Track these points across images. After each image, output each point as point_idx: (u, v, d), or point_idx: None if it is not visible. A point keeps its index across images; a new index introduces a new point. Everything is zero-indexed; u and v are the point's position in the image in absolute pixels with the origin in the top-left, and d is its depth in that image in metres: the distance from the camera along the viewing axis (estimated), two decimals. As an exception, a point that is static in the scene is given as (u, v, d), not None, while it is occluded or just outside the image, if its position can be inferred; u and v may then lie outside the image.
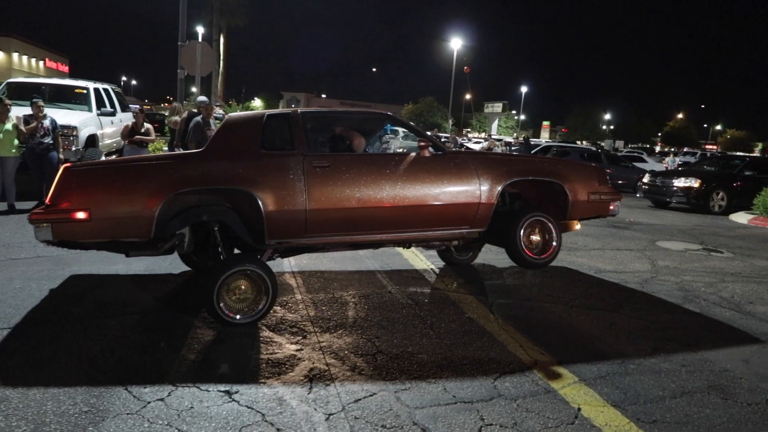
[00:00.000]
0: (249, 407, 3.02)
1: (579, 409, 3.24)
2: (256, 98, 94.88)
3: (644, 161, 23.53)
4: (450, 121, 52.79)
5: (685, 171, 15.98)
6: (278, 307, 4.59)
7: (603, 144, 43.67)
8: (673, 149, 42.76)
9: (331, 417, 2.99)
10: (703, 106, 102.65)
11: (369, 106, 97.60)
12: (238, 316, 4.07)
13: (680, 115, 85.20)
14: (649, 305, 5.34)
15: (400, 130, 28.79)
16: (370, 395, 3.24)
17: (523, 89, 64.68)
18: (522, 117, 69.83)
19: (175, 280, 5.21)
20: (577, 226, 5.67)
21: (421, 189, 4.56)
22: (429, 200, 4.59)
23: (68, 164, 3.92)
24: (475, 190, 4.72)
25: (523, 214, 5.00)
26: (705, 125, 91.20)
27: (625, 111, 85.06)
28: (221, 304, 4.01)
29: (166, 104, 48.23)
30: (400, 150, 23.53)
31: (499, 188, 4.79)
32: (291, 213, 4.16)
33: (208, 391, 3.17)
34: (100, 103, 10.79)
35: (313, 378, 3.41)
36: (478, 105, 66.36)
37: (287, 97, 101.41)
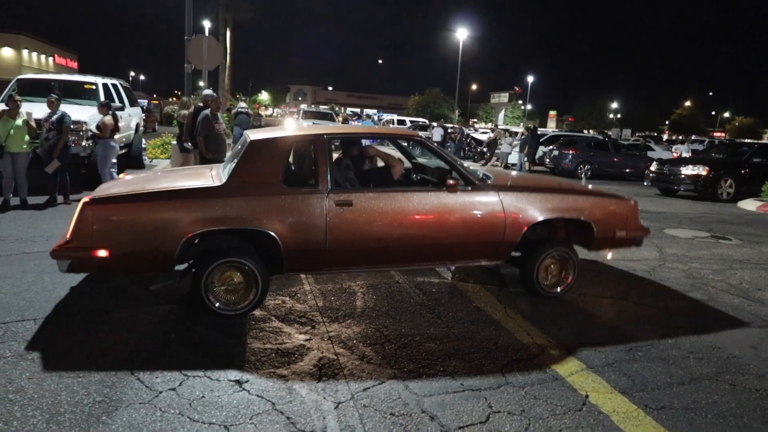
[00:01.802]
0: (259, 396, 3.07)
1: (587, 396, 3.25)
2: (263, 91, 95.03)
3: (652, 149, 23.37)
4: (456, 112, 52.61)
5: (693, 159, 15.85)
6: (287, 298, 4.63)
7: (610, 133, 43.36)
8: (681, 137, 42.42)
9: (341, 405, 3.02)
10: (711, 94, 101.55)
11: (375, 98, 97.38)
12: (217, 304, 4.13)
13: (688, 103, 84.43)
14: (657, 293, 5.34)
15: (387, 116, 28.86)
16: (379, 384, 3.28)
17: (530, 79, 64.30)
18: (529, 107, 69.46)
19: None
20: (609, 256, 5.50)
21: (445, 227, 4.49)
22: (451, 239, 4.52)
23: (86, 199, 3.86)
24: (500, 229, 4.60)
25: (545, 248, 4.86)
26: (713, 113, 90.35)
27: (632, 100, 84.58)
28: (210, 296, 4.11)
29: (174, 99, 48.34)
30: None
31: (526, 228, 4.67)
32: (310, 251, 4.18)
33: (219, 380, 3.22)
34: (108, 98, 10.85)
35: (323, 367, 3.45)
36: (484, 95, 66.10)
37: (294, 89, 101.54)
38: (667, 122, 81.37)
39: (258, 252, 4.22)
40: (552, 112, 65.80)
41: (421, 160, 6.23)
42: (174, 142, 10.86)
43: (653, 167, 15.47)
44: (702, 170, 13.73)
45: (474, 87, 74.38)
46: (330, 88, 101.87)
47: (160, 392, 3.05)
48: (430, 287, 5.10)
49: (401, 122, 31.75)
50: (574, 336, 4.13)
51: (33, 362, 3.33)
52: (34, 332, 3.74)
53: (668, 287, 5.56)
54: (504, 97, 53.67)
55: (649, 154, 20.86)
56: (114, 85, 11.59)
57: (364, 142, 5.69)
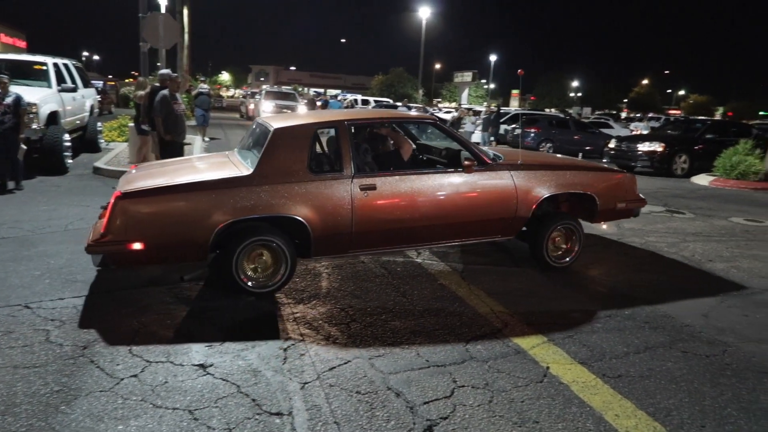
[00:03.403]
0: (224, 380, 3.05)
1: (548, 368, 3.35)
2: (224, 71, 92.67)
3: (610, 127, 23.88)
4: (420, 92, 52.48)
5: (649, 136, 16.27)
6: (251, 281, 4.58)
7: (571, 111, 44.05)
8: (639, 114, 43.44)
9: (306, 386, 3.03)
10: (667, 72, 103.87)
11: (339, 77, 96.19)
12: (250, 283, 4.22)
13: (645, 81, 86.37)
14: (615, 266, 5.50)
15: (351, 96, 28.84)
16: (345, 363, 3.29)
17: (492, 58, 64.54)
18: (492, 86, 69.84)
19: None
20: (604, 226, 5.76)
21: (463, 206, 4.68)
22: (469, 217, 4.71)
23: (119, 193, 3.87)
24: (513, 205, 4.83)
25: (553, 221, 5.10)
26: (669, 90, 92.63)
27: (592, 78, 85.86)
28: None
29: (131, 79, 46.78)
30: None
31: (535, 204, 4.90)
32: (338, 235, 4.30)
33: (183, 365, 3.18)
34: (60, 79, 10.40)
35: (288, 348, 3.45)
36: (448, 74, 66.07)
37: (256, 69, 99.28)
38: (625, 100, 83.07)
39: (289, 239, 4.28)
40: (515, 91, 66.21)
41: (423, 141, 6.30)
42: (131, 124, 10.52)
43: (612, 144, 15.83)
44: (658, 147, 14.12)
45: (438, 66, 74.20)
46: (293, 68, 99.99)
47: (122, 379, 3.00)
48: (395, 266, 5.13)
49: (365, 102, 31.50)
50: (536, 310, 4.23)
51: (-14, 353, 3.22)
52: (-14, 323, 3.61)
53: (625, 261, 5.73)
54: (467, 76, 53.68)
55: (608, 131, 21.29)
56: (66, 65, 11.11)
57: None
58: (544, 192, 4.92)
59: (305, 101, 22.42)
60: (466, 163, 4.65)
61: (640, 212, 5.75)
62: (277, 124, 4.47)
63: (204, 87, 16.12)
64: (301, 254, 4.36)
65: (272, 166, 4.20)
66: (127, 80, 49.00)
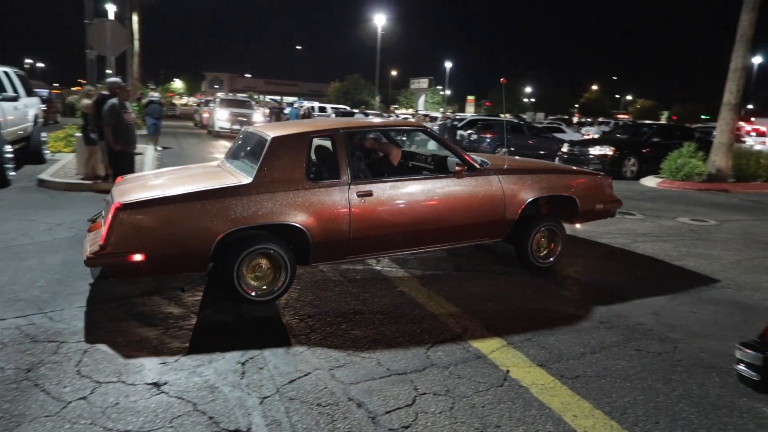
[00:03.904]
0: (179, 398, 2.94)
1: (508, 372, 3.38)
2: (176, 79, 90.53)
3: (563, 131, 24.51)
4: (377, 98, 52.67)
5: (600, 140, 16.78)
6: (210, 295, 4.47)
7: (525, 116, 45.05)
8: (590, 119, 44.81)
9: (266, 400, 2.96)
10: (614, 78, 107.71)
11: (295, 84, 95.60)
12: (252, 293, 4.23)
13: (595, 87, 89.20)
14: (570, 268, 5.61)
15: (308, 104, 28.72)
16: (305, 375, 3.24)
17: (448, 65, 65.46)
18: (448, 92, 70.76)
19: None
20: (578, 226, 6.09)
21: (455, 210, 4.82)
22: (461, 220, 4.86)
23: (118, 204, 3.81)
24: (501, 209, 5.01)
25: (536, 223, 5.30)
26: (617, 96, 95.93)
27: (544, 84, 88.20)
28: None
29: (78, 87, 45.24)
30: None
31: (522, 207, 5.10)
32: (336, 241, 4.38)
33: (135, 384, 3.06)
34: (0, 87, 9.96)
35: (246, 362, 3.36)
36: (404, 81, 66.58)
37: (209, 77, 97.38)
38: (577, 105, 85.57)
39: (285, 245, 4.31)
40: (470, 97, 67.31)
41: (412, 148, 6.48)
42: (79, 133, 10.14)
43: (564, 148, 16.23)
44: (608, 150, 14.57)
45: (394, 73, 74.74)
46: (248, 76, 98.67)
47: (69, 402, 2.86)
48: (355, 274, 5.10)
49: (322, 109, 31.39)
50: (495, 313, 4.27)
51: None
52: None
53: (579, 262, 5.86)
54: (424, 82, 54.35)
55: (561, 136, 21.83)
56: (6, 73, 10.65)
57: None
58: (529, 195, 5.12)
59: (266, 110, 22.18)
60: (457, 168, 4.82)
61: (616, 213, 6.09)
62: (273, 132, 4.50)
63: (155, 95, 15.74)
64: (299, 261, 4.38)
65: (271, 174, 4.23)
66: (73, 88, 47.40)
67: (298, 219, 4.19)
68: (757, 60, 57.90)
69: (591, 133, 23.96)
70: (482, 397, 3.08)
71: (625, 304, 4.62)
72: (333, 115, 28.40)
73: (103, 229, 3.84)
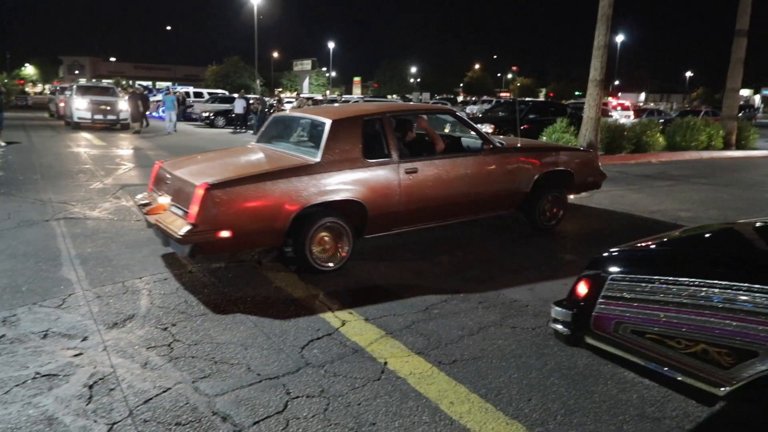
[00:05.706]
0: (6, 438, 2.52)
1: (385, 363, 3.26)
2: (27, 64, 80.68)
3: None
4: (258, 81, 50.76)
5: (482, 117, 17.35)
6: (52, 309, 3.94)
7: (411, 97, 45.78)
8: (474, 98, 46.46)
9: (115, 426, 2.62)
10: (495, 57, 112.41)
11: (168, 69, 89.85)
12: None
13: (477, 66, 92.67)
14: (446, 249, 5.65)
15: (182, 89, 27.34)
16: (164, 391, 2.92)
17: (331, 45, 64.80)
18: (333, 74, 70.15)
19: None
20: (571, 196, 6.89)
21: (485, 183, 5.58)
22: (489, 192, 5.63)
23: (206, 184, 4.08)
24: (520, 181, 5.83)
25: (544, 193, 6.06)
26: (499, 74, 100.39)
27: (429, 64, 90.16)
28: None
29: None
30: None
31: (534, 180, 5.91)
32: (389, 214, 4.94)
33: (-51, 428, 2.58)
34: None
35: (94, 385, 2.97)
36: (287, 63, 64.94)
37: (68, 62, 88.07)
38: (461, 84, 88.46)
39: (346, 219, 4.74)
40: (356, 79, 67.22)
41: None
42: None
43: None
44: (488, 128, 15.06)
45: (276, 55, 72.65)
46: (113, 59, 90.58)
47: None
48: (227, 273, 4.77)
49: (198, 95, 29.72)
50: (375, 304, 4.15)
51: None
52: None
53: (457, 241, 5.93)
54: (307, 64, 53.25)
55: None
56: None
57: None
58: (540, 169, 5.97)
59: (128, 96, 20.48)
60: (485, 147, 5.56)
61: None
62: (330, 117, 4.91)
63: None
64: (356, 234, 4.82)
65: (335, 154, 4.67)
66: None
67: (359, 195, 4.70)
68: (619, 38, 63.10)
69: (474, 111, 24.75)
70: (358, 393, 2.94)
71: (500, 280, 4.70)
72: (210, 101, 27.12)
73: (194, 209, 4.05)
